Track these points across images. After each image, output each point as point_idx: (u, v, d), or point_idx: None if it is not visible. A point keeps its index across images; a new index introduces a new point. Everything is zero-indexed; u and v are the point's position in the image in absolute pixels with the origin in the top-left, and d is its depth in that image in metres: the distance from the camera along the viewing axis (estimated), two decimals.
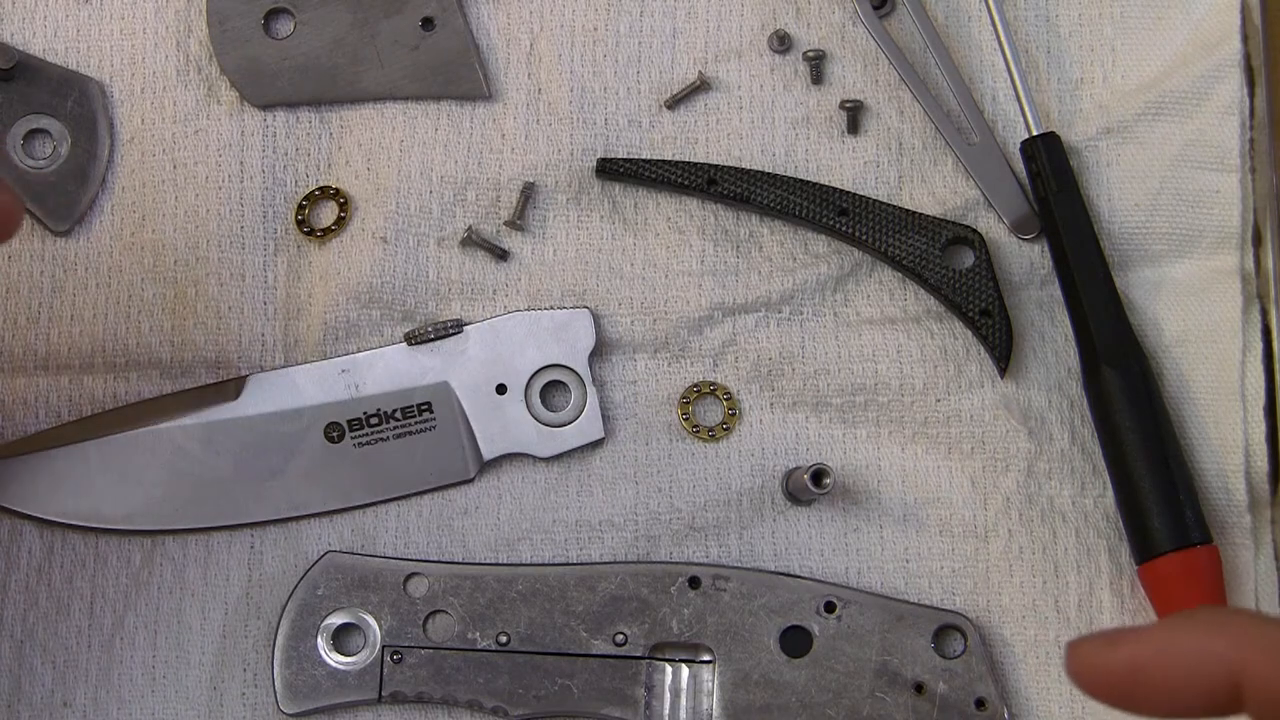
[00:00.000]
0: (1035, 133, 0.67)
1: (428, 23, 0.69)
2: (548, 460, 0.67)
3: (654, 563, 0.65)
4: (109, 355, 0.67)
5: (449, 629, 0.64)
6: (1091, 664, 0.37)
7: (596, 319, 0.68)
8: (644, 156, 0.69)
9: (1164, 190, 0.68)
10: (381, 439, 0.66)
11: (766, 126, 0.70)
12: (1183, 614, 0.38)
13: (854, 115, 0.69)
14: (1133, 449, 0.64)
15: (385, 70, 0.69)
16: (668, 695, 0.64)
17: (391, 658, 0.64)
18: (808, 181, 0.68)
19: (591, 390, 0.67)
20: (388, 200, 0.68)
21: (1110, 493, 0.66)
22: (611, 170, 0.68)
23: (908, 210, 0.68)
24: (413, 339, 0.67)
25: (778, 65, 0.70)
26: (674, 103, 0.70)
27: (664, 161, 0.68)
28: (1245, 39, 0.69)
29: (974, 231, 0.67)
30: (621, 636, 0.64)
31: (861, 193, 0.68)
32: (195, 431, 0.65)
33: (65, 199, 0.68)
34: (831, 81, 0.70)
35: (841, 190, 0.68)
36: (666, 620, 0.64)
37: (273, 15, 0.69)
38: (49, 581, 0.66)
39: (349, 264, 0.68)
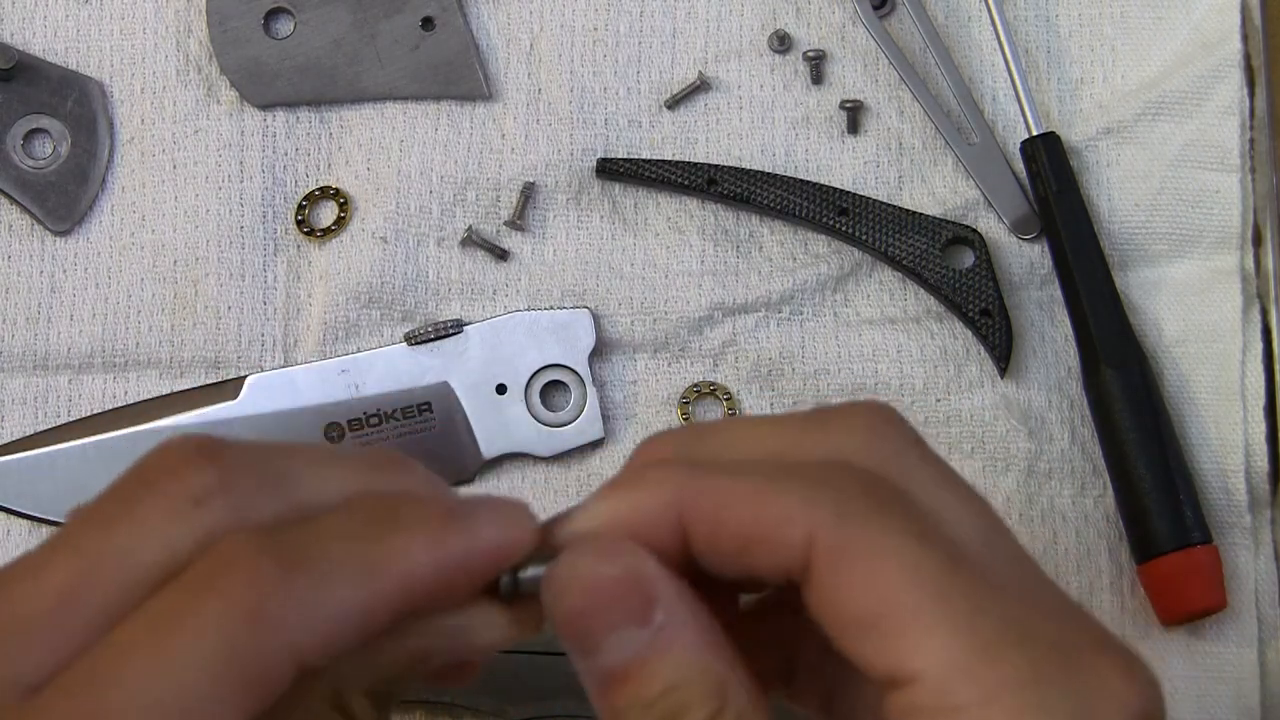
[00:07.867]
0: (1035, 133, 0.67)
1: (428, 23, 0.69)
2: (548, 460, 0.67)
3: None
4: (108, 355, 0.67)
5: None
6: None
7: (596, 319, 0.67)
8: (644, 156, 0.69)
9: (1164, 190, 0.68)
10: (381, 439, 0.66)
11: (766, 126, 0.69)
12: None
13: (854, 115, 0.69)
14: (1133, 449, 0.64)
15: (385, 70, 0.69)
16: None
17: None
18: (808, 181, 0.68)
19: (591, 390, 0.67)
20: (388, 200, 0.68)
21: (1110, 493, 0.66)
22: (611, 170, 0.68)
23: (908, 210, 0.68)
24: (413, 339, 0.66)
25: (778, 65, 0.70)
26: (674, 103, 0.70)
27: (664, 161, 0.68)
28: (1245, 39, 0.69)
29: (974, 231, 0.67)
30: None
31: (861, 193, 0.68)
32: (195, 431, 0.65)
33: (65, 199, 0.68)
34: (831, 81, 0.70)
35: (841, 190, 0.68)
36: None
37: (273, 15, 0.69)
38: None
39: (349, 264, 0.68)
